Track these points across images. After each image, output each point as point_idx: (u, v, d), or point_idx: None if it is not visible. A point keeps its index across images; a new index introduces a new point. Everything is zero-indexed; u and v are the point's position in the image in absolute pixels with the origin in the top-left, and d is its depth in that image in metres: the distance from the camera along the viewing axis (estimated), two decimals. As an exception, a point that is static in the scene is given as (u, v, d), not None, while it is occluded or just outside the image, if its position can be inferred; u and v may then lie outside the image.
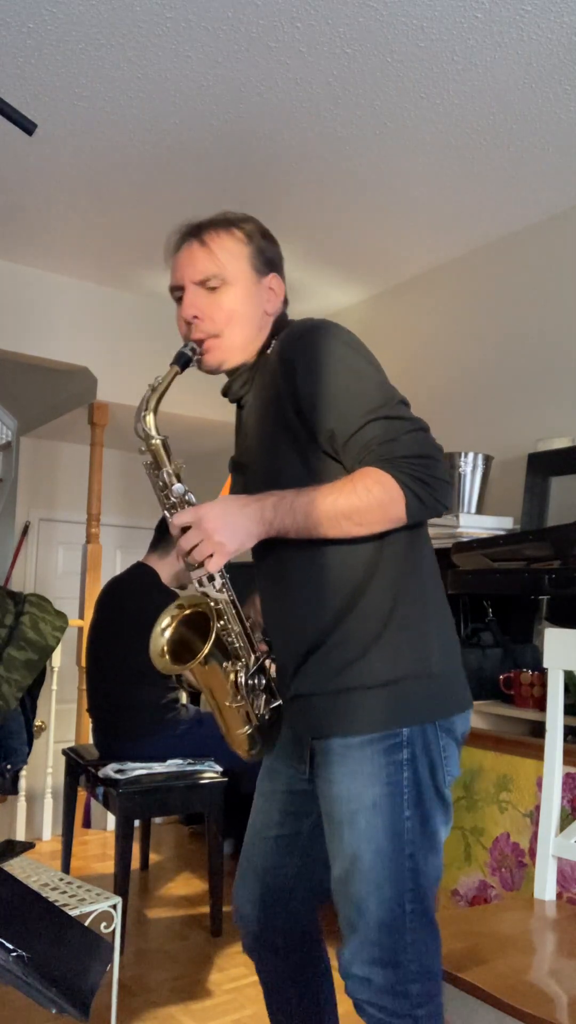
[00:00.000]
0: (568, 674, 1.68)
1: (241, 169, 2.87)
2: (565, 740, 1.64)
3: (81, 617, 3.89)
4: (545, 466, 2.79)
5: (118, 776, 2.56)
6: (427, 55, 2.23)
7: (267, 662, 1.32)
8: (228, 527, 1.15)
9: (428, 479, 1.16)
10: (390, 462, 1.15)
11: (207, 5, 2.07)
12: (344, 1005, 1.61)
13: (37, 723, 3.24)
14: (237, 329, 1.30)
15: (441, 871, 1.24)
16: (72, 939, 0.64)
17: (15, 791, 3.30)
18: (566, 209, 3.05)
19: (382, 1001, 1.16)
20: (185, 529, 1.18)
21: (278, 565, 1.28)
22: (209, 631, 1.23)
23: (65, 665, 3.81)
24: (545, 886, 1.57)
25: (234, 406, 1.45)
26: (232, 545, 1.16)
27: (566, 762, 1.68)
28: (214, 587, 1.26)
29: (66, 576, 5.40)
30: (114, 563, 5.42)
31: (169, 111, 2.53)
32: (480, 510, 2.86)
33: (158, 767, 2.65)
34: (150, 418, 1.28)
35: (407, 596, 1.22)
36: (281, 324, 1.36)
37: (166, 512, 1.28)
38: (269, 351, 1.32)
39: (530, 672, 2.34)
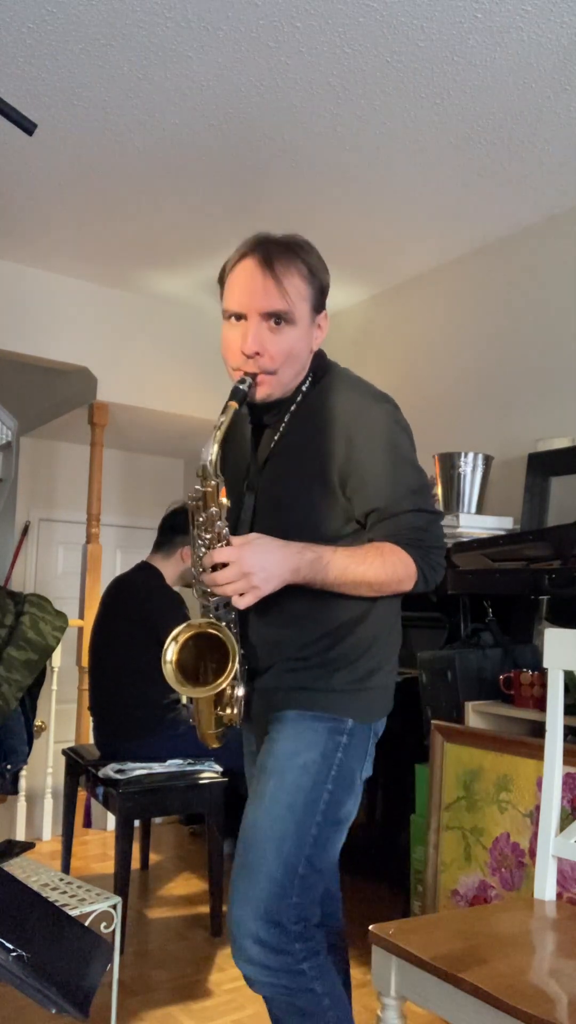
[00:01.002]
0: (568, 674, 1.68)
1: (241, 169, 2.87)
2: (565, 740, 1.64)
3: (81, 617, 3.89)
4: (545, 466, 2.79)
5: (118, 776, 2.56)
6: (427, 55, 2.23)
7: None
8: (265, 572, 1.24)
9: (437, 567, 1.37)
10: (418, 549, 1.33)
11: (207, 5, 2.07)
12: (255, 1005, 1.61)
13: (37, 723, 3.24)
14: (290, 368, 1.36)
15: (338, 853, 1.37)
16: (72, 939, 0.64)
17: (15, 791, 3.30)
18: (566, 209, 3.05)
19: (269, 961, 1.23)
20: (219, 565, 1.25)
21: (282, 590, 1.32)
22: (218, 654, 1.30)
23: (65, 665, 3.81)
24: (545, 886, 1.57)
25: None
26: (266, 589, 1.26)
27: (566, 762, 1.68)
28: (225, 614, 1.34)
29: (66, 576, 5.40)
30: (114, 563, 5.42)
31: (169, 111, 2.53)
32: (480, 510, 2.86)
33: (158, 767, 2.65)
34: (214, 457, 1.29)
35: (385, 634, 1.41)
36: (318, 361, 1.44)
37: (202, 547, 1.30)
38: (306, 387, 1.41)
39: (530, 672, 2.33)
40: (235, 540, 1.28)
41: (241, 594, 1.24)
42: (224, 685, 1.29)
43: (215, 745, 1.48)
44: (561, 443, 2.78)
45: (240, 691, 1.38)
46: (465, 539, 2.50)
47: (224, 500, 1.31)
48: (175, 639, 1.31)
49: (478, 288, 3.42)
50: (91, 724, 2.92)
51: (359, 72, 2.31)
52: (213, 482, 1.30)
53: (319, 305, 1.39)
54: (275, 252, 1.33)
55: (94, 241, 3.51)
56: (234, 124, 2.59)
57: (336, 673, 1.36)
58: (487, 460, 2.90)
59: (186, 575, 2.97)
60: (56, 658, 3.47)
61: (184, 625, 1.31)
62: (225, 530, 1.29)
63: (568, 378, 2.98)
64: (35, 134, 1.75)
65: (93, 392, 4.08)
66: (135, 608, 2.84)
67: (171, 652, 1.30)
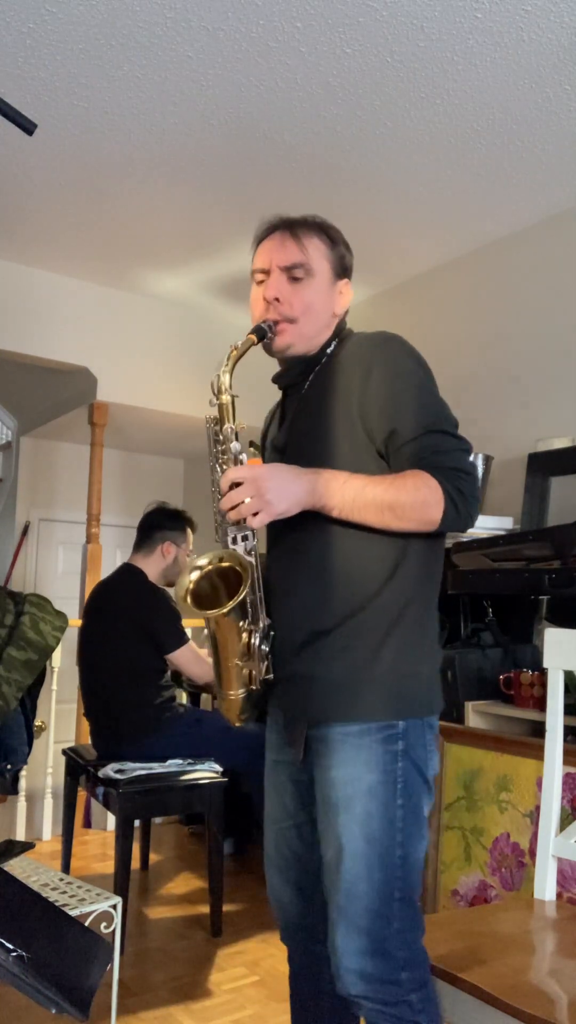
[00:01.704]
0: (568, 674, 1.68)
1: (241, 169, 2.87)
2: (565, 740, 1.64)
3: (81, 617, 3.88)
4: (545, 466, 2.79)
5: (118, 776, 2.56)
6: (427, 55, 2.23)
7: (270, 634, 1.37)
8: (280, 489, 1.21)
9: (467, 492, 1.25)
10: (439, 470, 1.24)
11: (207, 5, 2.07)
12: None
13: (37, 723, 3.23)
14: (310, 319, 1.38)
15: (424, 853, 1.29)
16: (72, 939, 0.64)
17: (15, 791, 3.29)
18: (566, 209, 3.05)
19: (375, 992, 1.20)
20: (234, 486, 1.23)
21: (301, 545, 1.32)
22: (240, 585, 1.27)
23: (65, 665, 3.81)
24: (545, 886, 1.57)
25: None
26: (279, 507, 1.21)
27: (566, 762, 1.68)
28: (244, 547, 1.31)
29: (66, 576, 5.40)
30: (114, 563, 5.39)
31: (169, 111, 2.53)
32: (480, 510, 2.86)
33: (158, 767, 2.65)
34: (225, 375, 1.34)
35: (419, 600, 1.30)
36: (342, 328, 1.45)
37: (218, 467, 1.33)
38: (330, 350, 1.41)
39: (530, 672, 2.34)
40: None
41: (255, 514, 1.21)
42: (236, 602, 1.24)
43: (236, 720, 1.40)
44: (561, 443, 2.78)
45: (256, 639, 1.32)
46: (465, 539, 2.50)
47: (241, 422, 1.34)
48: (199, 568, 1.30)
49: (478, 288, 3.42)
50: (89, 729, 2.92)
51: (359, 72, 2.31)
52: (226, 396, 1.33)
53: (340, 271, 1.43)
54: (298, 221, 1.42)
55: (94, 241, 3.51)
56: (234, 124, 2.59)
57: (377, 653, 1.25)
58: (487, 460, 2.90)
59: (169, 572, 2.96)
60: (56, 658, 3.47)
61: (207, 556, 1.31)
62: (243, 456, 1.31)
63: (568, 378, 2.98)
64: (35, 134, 1.75)
65: (93, 392, 4.08)
66: (122, 610, 2.84)
67: (193, 575, 1.29)
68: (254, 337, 1.34)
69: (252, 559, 1.31)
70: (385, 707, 1.25)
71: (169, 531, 2.97)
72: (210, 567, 1.31)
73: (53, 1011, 0.62)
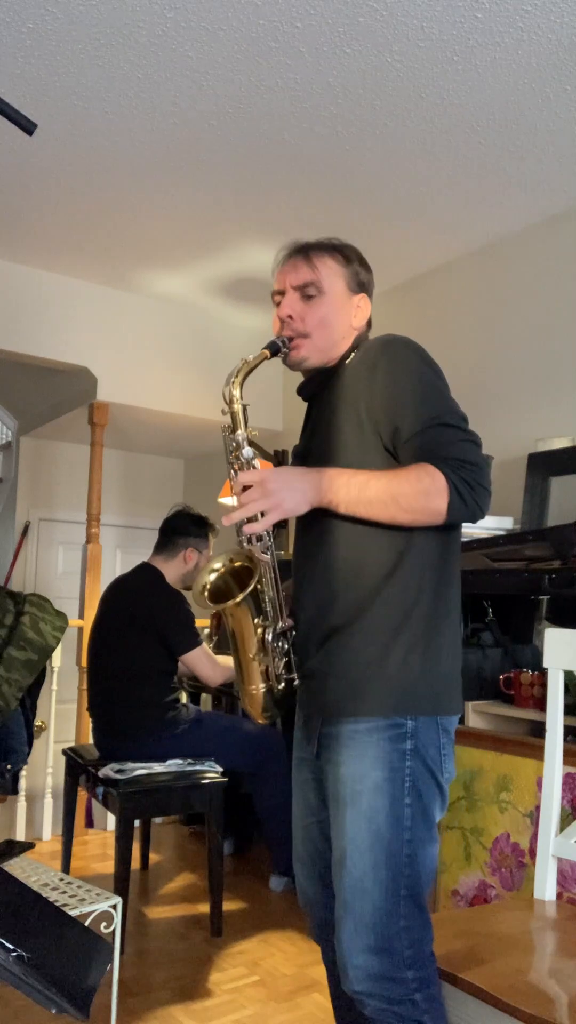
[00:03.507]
0: (568, 674, 1.68)
1: (241, 169, 2.87)
2: (565, 740, 1.64)
3: (81, 617, 3.88)
4: (545, 466, 2.79)
5: (118, 776, 2.56)
6: (427, 55, 2.23)
7: (291, 633, 1.43)
8: (287, 489, 1.26)
9: (473, 483, 1.26)
10: (443, 461, 1.26)
11: (207, 5, 2.07)
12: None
13: (37, 723, 3.23)
14: (324, 334, 1.45)
15: (436, 863, 1.29)
16: (72, 939, 0.64)
17: (15, 791, 3.29)
18: (566, 209, 3.05)
19: (381, 989, 1.21)
20: (245, 489, 1.28)
21: (316, 543, 1.38)
22: (251, 581, 1.35)
23: (65, 665, 3.81)
24: (545, 886, 1.57)
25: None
26: (288, 504, 1.26)
27: (566, 762, 1.68)
28: (259, 548, 1.38)
29: (66, 576, 5.40)
30: (114, 563, 5.42)
31: (169, 111, 2.53)
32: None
33: (158, 767, 2.65)
34: (237, 386, 1.42)
35: (430, 593, 1.32)
36: (362, 340, 1.51)
37: (232, 471, 1.41)
38: (349, 361, 1.46)
39: (530, 672, 2.33)
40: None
41: (265, 513, 1.26)
42: (247, 593, 1.32)
43: (260, 718, 1.45)
44: (561, 443, 2.78)
45: (270, 635, 1.39)
46: (465, 539, 2.50)
47: (252, 430, 1.43)
48: (216, 568, 1.37)
49: (478, 288, 3.42)
50: (91, 725, 2.92)
51: (359, 72, 2.31)
52: (238, 404, 1.40)
53: (356, 288, 1.48)
54: (312, 245, 1.48)
55: (94, 241, 3.51)
56: (234, 124, 2.59)
57: (388, 649, 1.27)
58: (487, 460, 2.90)
59: (187, 577, 2.97)
60: (56, 658, 3.47)
61: (223, 556, 1.39)
62: (255, 461, 1.39)
63: (568, 378, 2.98)
64: (35, 134, 1.75)
65: (93, 392, 4.08)
66: (136, 609, 2.84)
67: (211, 576, 1.36)
68: (267, 352, 1.41)
69: (268, 556, 1.39)
70: (391, 704, 1.27)
71: (193, 537, 2.98)
72: (225, 567, 1.38)
73: (53, 1011, 0.62)
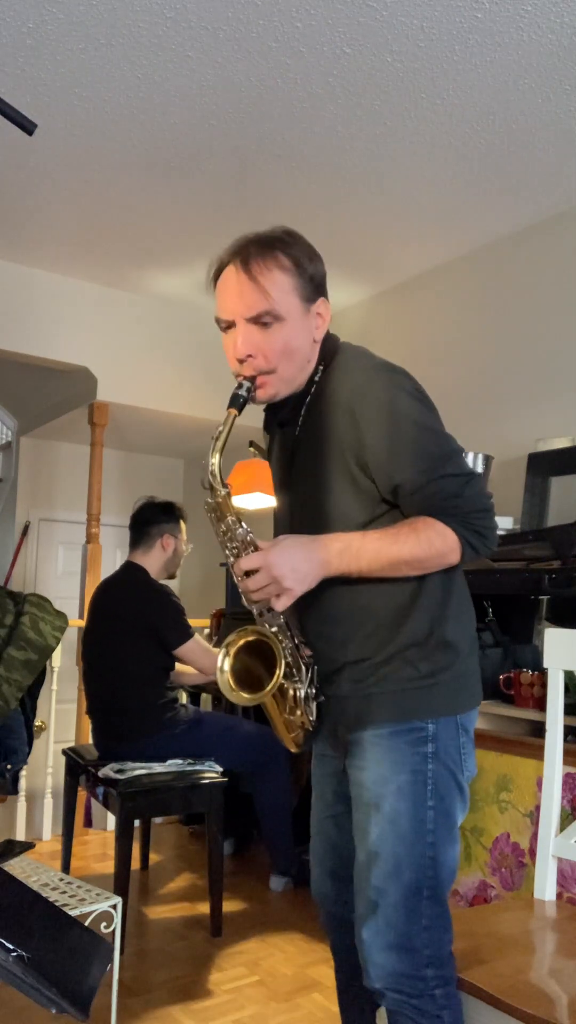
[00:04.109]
0: (568, 674, 1.68)
1: (241, 169, 2.87)
2: (565, 740, 1.64)
3: (81, 617, 3.88)
4: (545, 466, 2.79)
5: (118, 776, 2.56)
6: (427, 55, 2.23)
7: (313, 668, 1.39)
8: (295, 573, 1.22)
9: (483, 530, 1.27)
10: (453, 517, 1.25)
11: (207, 5, 2.07)
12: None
13: (37, 723, 3.23)
14: (290, 363, 1.32)
15: (457, 863, 1.30)
16: (72, 939, 0.64)
17: (15, 791, 3.29)
18: (566, 209, 3.05)
19: (401, 985, 1.22)
20: (249, 572, 1.23)
21: (320, 586, 1.29)
22: (274, 656, 1.28)
23: (65, 665, 3.81)
24: (545, 886, 1.57)
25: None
26: (299, 589, 1.23)
27: (566, 762, 1.68)
28: (272, 618, 1.32)
29: (66, 576, 5.40)
30: (114, 563, 5.38)
31: (169, 111, 2.53)
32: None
33: (158, 767, 2.65)
34: (216, 467, 1.29)
35: (445, 618, 1.31)
36: (328, 346, 1.37)
37: (227, 551, 1.31)
38: (319, 377, 1.36)
39: (530, 672, 2.33)
40: (262, 544, 1.27)
41: (278, 596, 1.22)
42: (271, 689, 1.27)
43: (294, 748, 1.45)
44: (561, 443, 2.78)
45: (302, 692, 1.36)
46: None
47: (240, 508, 1.32)
48: (227, 650, 1.29)
49: (478, 288, 3.42)
50: (90, 727, 2.92)
51: (359, 72, 2.31)
52: (222, 492, 1.29)
53: (312, 294, 1.33)
54: (252, 253, 1.30)
55: (94, 241, 3.51)
56: (234, 124, 2.59)
57: (404, 668, 1.28)
58: (487, 460, 2.90)
59: (169, 565, 2.97)
60: (56, 658, 3.47)
61: (233, 634, 1.30)
62: (250, 536, 1.29)
63: (568, 378, 2.98)
64: (35, 134, 1.75)
65: (93, 392, 4.08)
66: (126, 609, 2.84)
67: (226, 663, 1.28)
68: (234, 411, 1.28)
69: (281, 620, 1.33)
70: (411, 709, 1.28)
71: (165, 524, 2.98)
72: (236, 647, 1.30)
73: (53, 1011, 0.62)
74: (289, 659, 1.34)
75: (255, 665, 1.31)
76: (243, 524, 1.30)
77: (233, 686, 1.27)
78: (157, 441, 5.22)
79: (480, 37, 2.16)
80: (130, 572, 2.94)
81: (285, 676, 1.34)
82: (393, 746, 1.27)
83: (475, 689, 1.34)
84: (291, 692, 1.36)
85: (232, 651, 1.29)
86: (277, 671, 1.26)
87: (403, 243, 3.41)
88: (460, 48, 2.20)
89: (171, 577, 2.99)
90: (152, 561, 2.93)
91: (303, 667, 1.37)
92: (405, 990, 1.22)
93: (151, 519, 2.99)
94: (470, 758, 1.32)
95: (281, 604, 1.23)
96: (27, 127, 1.12)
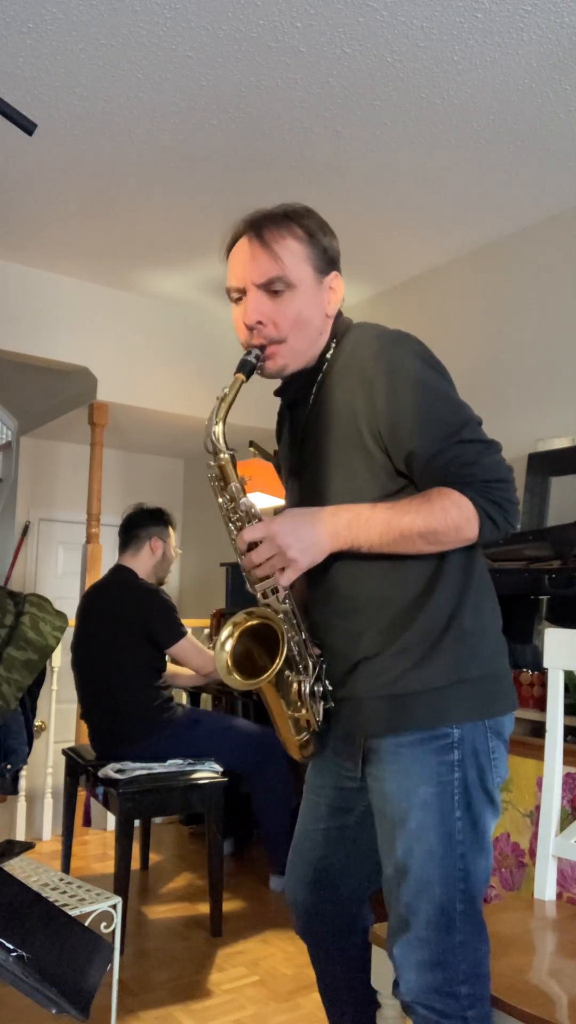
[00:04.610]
0: (568, 674, 1.68)
1: (241, 169, 2.87)
2: (565, 740, 1.64)
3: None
4: (545, 466, 2.79)
5: (118, 776, 2.56)
6: (427, 55, 2.23)
7: (322, 665, 1.31)
8: (301, 543, 1.15)
9: (503, 502, 1.18)
10: (470, 485, 1.16)
11: (207, 5, 2.07)
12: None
13: (37, 723, 3.24)
14: (301, 333, 1.27)
15: (490, 872, 1.23)
16: (72, 939, 0.64)
17: (15, 791, 3.30)
18: (566, 209, 3.05)
19: (432, 1002, 1.15)
20: (252, 544, 1.17)
21: (330, 578, 1.25)
22: (277, 644, 1.21)
23: (65, 665, 3.79)
24: (545, 886, 1.57)
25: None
26: (305, 561, 1.16)
27: (566, 762, 1.68)
28: (277, 599, 1.24)
29: (66, 576, 5.40)
30: (114, 563, 5.41)
31: (169, 111, 2.52)
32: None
33: (158, 767, 2.65)
34: (219, 430, 1.23)
35: (464, 607, 1.23)
36: (340, 324, 1.33)
37: (231, 526, 1.25)
38: (330, 354, 1.30)
39: (530, 672, 2.33)
40: (266, 517, 1.19)
41: (282, 569, 1.15)
42: (271, 674, 1.18)
43: (299, 757, 1.36)
44: (561, 443, 2.78)
45: (307, 687, 1.27)
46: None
47: (245, 477, 1.26)
48: (231, 629, 1.22)
49: (478, 288, 3.42)
50: (87, 732, 2.92)
51: (359, 72, 2.31)
52: (224, 455, 1.23)
53: (325, 266, 1.29)
54: (266, 222, 1.27)
55: (94, 241, 3.51)
56: (234, 124, 2.59)
57: (424, 663, 1.19)
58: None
59: (159, 568, 2.98)
60: (56, 658, 3.47)
61: (240, 613, 1.23)
62: (254, 509, 1.23)
63: (568, 378, 2.98)
64: (35, 134, 1.75)
65: (93, 392, 4.08)
66: (118, 610, 2.84)
67: (228, 643, 1.21)
68: (242, 376, 1.23)
69: (287, 606, 1.25)
70: (434, 714, 1.19)
71: (153, 527, 2.99)
72: (240, 628, 1.24)
73: (53, 1011, 0.62)
74: (295, 649, 1.26)
75: (259, 652, 1.24)
76: (247, 494, 1.24)
77: (231, 667, 1.20)
78: (157, 441, 5.22)
79: (480, 37, 2.16)
80: (120, 574, 2.94)
81: (287, 664, 1.25)
82: (417, 756, 1.18)
83: (507, 693, 1.25)
84: (295, 686, 1.27)
85: (237, 632, 1.22)
86: (280, 653, 1.18)
87: (403, 243, 3.41)
88: (460, 48, 2.20)
89: (160, 583, 2.99)
90: (141, 564, 2.93)
91: (309, 661, 1.28)
92: (437, 1007, 1.15)
93: (139, 523, 3.00)
94: (501, 763, 1.23)
95: (286, 578, 1.16)
96: (27, 127, 1.12)
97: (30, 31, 2.17)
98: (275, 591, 1.22)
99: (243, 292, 1.26)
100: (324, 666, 1.30)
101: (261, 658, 1.24)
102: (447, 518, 1.15)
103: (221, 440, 1.23)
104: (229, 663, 1.21)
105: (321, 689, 1.29)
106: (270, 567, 1.16)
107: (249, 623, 1.24)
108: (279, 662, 1.18)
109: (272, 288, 1.24)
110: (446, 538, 1.16)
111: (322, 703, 1.30)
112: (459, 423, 1.19)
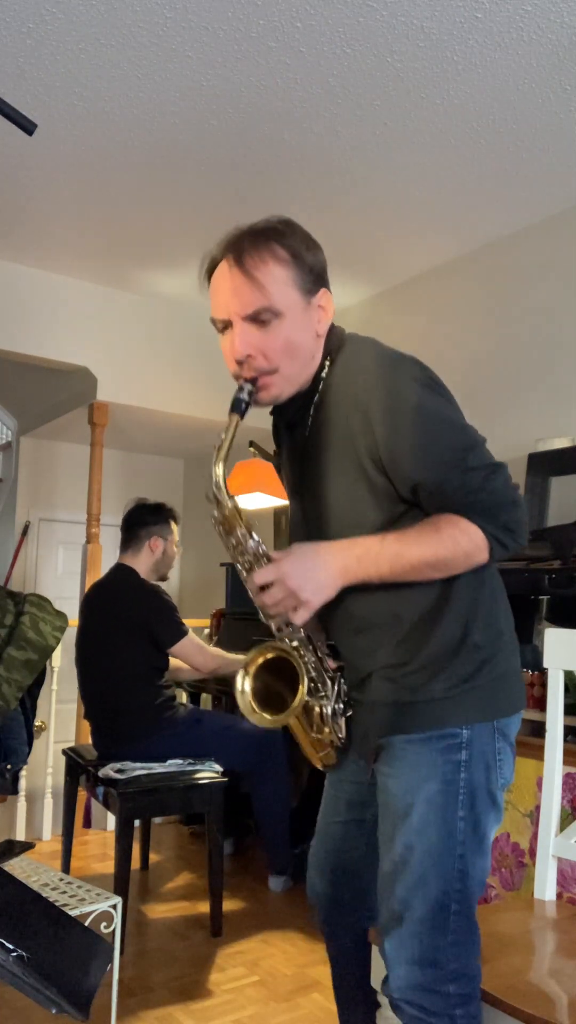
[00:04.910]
0: (568, 674, 1.68)
1: (241, 169, 2.87)
2: (565, 740, 1.64)
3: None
4: (545, 466, 2.79)
5: (118, 776, 2.56)
6: (427, 55, 2.23)
7: (341, 680, 1.32)
8: (312, 583, 1.16)
9: (512, 524, 1.18)
10: (478, 513, 1.16)
11: (207, 5, 2.07)
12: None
13: (37, 723, 3.24)
14: (293, 360, 1.24)
15: (487, 874, 1.24)
16: (72, 939, 0.64)
17: (15, 791, 3.30)
18: (566, 209, 3.05)
19: (420, 999, 1.16)
20: (264, 588, 1.18)
21: (343, 593, 1.24)
22: (295, 670, 1.22)
23: (65, 665, 3.80)
24: (545, 886, 1.57)
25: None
26: (317, 600, 1.17)
27: (566, 762, 1.68)
28: (291, 630, 1.26)
29: (66, 576, 5.40)
30: (114, 562, 5.42)
31: (169, 111, 2.53)
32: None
33: (158, 767, 2.65)
34: (219, 471, 1.21)
35: (478, 620, 1.24)
36: (333, 339, 1.30)
37: (241, 568, 1.25)
38: (325, 373, 1.28)
39: (530, 672, 2.33)
40: (275, 555, 1.20)
41: (295, 609, 1.16)
42: (296, 709, 1.21)
43: (321, 767, 1.40)
44: (561, 443, 2.78)
45: (328, 708, 1.29)
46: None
47: (251, 519, 1.26)
48: (245, 670, 1.22)
49: (478, 288, 3.42)
50: (90, 730, 2.92)
51: (359, 72, 2.31)
52: (228, 504, 1.23)
53: (312, 286, 1.24)
54: (246, 246, 1.22)
55: (94, 241, 3.51)
56: (234, 124, 2.59)
57: (438, 675, 1.20)
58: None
59: (159, 566, 2.97)
60: (56, 658, 3.47)
61: (252, 652, 1.24)
62: (262, 548, 1.23)
63: (568, 378, 2.98)
64: (35, 134, 1.75)
65: (93, 392, 4.08)
66: (118, 610, 2.84)
67: (246, 683, 1.20)
68: (237, 417, 1.20)
69: (303, 634, 1.27)
70: (444, 716, 1.20)
71: (153, 525, 2.98)
72: (256, 666, 1.24)
73: (53, 1011, 0.62)
74: (313, 675, 1.27)
75: (277, 684, 1.24)
76: (254, 536, 1.24)
77: (255, 707, 1.20)
78: (157, 441, 5.22)
79: (480, 37, 2.16)
80: (120, 573, 2.94)
81: (309, 693, 1.27)
82: (425, 753, 1.20)
83: (515, 692, 1.26)
84: (317, 710, 1.29)
85: (252, 671, 1.21)
86: (300, 688, 1.20)
87: (403, 243, 3.41)
88: (460, 48, 2.20)
89: (162, 579, 2.98)
90: (142, 563, 2.93)
91: (328, 682, 1.29)
92: (425, 1005, 1.16)
93: (139, 521, 2.99)
94: (507, 765, 1.25)
95: (300, 618, 1.17)
96: (27, 127, 1.12)
97: (30, 31, 2.18)
98: (289, 624, 1.24)
99: (228, 323, 1.24)
100: (343, 680, 1.31)
101: (281, 688, 1.25)
102: (456, 547, 1.16)
103: (223, 488, 1.22)
104: (253, 704, 1.21)
105: (342, 707, 1.31)
106: (283, 608, 1.17)
107: (264, 657, 1.24)
108: (302, 695, 1.20)
109: (259, 319, 1.20)
110: (456, 566, 1.18)
111: (343, 719, 1.31)
112: (463, 448, 1.18)
